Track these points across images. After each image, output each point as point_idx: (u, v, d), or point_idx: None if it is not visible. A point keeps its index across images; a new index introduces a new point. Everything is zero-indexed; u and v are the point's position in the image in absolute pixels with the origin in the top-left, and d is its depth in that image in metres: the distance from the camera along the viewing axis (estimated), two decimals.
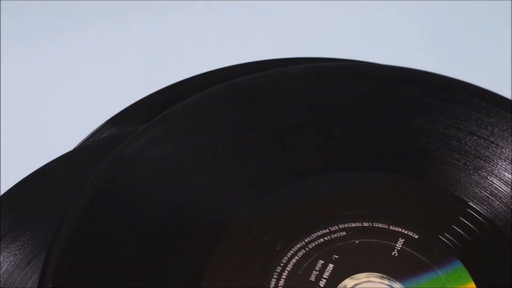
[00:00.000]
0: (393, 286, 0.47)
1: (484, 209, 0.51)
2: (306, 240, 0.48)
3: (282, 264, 0.47)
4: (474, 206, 0.52)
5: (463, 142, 0.53)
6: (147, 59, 0.70)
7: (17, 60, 0.71)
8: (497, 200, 0.52)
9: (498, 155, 0.53)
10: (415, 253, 0.49)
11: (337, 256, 0.48)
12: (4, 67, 0.70)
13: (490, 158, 0.52)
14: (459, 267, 0.48)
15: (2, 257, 0.50)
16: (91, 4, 0.74)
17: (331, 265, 0.47)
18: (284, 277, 0.46)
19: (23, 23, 0.73)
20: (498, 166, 0.52)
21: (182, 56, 0.70)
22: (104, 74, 0.70)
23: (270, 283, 0.46)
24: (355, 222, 0.50)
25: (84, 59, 0.71)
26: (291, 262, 0.47)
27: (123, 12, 0.74)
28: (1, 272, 0.49)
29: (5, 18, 0.73)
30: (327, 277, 0.47)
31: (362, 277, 0.47)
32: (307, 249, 0.48)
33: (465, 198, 0.52)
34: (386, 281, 0.47)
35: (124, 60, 0.71)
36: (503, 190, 0.52)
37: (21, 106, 0.68)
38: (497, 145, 0.53)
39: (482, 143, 0.53)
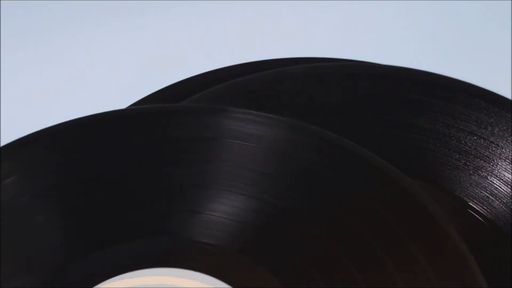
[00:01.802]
0: None
1: (484, 209, 0.51)
2: None
3: None
4: (474, 206, 0.52)
5: (463, 142, 0.53)
6: (147, 59, 0.70)
7: (17, 60, 0.71)
8: (497, 200, 0.52)
9: (498, 155, 0.53)
10: None
11: None
12: (4, 68, 0.70)
13: (490, 158, 0.53)
14: None
15: None
16: (91, 4, 0.74)
17: None
18: None
19: (23, 23, 0.73)
20: (498, 166, 0.52)
21: (182, 56, 0.70)
22: (104, 74, 0.70)
23: None
24: None
25: (84, 59, 0.71)
26: None
27: (123, 12, 0.74)
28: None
29: (4, 18, 0.73)
30: None
31: None
32: None
33: (465, 198, 0.52)
34: None
35: (124, 60, 0.71)
36: (503, 190, 0.52)
37: (22, 106, 0.68)
38: (497, 145, 0.53)
39: (482, 143, 0.53)
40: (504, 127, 0.53)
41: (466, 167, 0.53)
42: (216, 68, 0.58)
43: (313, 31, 0.72)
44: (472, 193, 0.52)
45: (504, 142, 0.53)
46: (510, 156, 0.52)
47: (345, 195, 0.47)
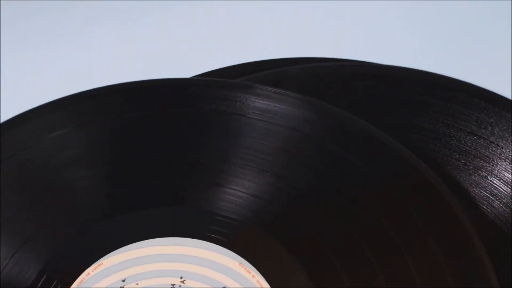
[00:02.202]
0: None
1: (484, 209, 0.51)
2: None
3: None
4: (474, 206, 0.52)
5: (463, 142, 0.53)
6: (147, 59, 0.70)
7: (17, 61, 0.71)
8: (497, 200, 0.52)
9: (498, 155, 0.53)
10: None
11: None
12: (4, 69, 0.70)
13: (490, 158, 0.53)
14: None
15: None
16: (91, 4, 0.74)
17: None
18: None
19: (23, 24, 0.73)
20: (498, 166, 0.52)
21: (182, 56, 0.70)
22: (104, 75, 0.70)
23: None
24: None
25: (83, 60, 0.71)
26: None
27: (123, 12, 0.74)
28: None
29: (5, 20, 0.73)
30: None
31: None
32: None
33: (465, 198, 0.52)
34: None
35: (124, 60, 0.71)
36: (503, 190, 0.52)
37: (22, 107, 0.68)
38: (497, 145, 0.53)
39: (482, 143, 0.53)
40: (504, 127, 0.53)
41: (466, 167, 0.53)
42: (216, 68, 0.58)
43: (313, 31, 0.72)
44: (472, 193, 0.52)
45: (504, 142, 0.53)
46: (510, 156, 0.52)
47: (363, 180, 0.47)
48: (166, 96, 0.51)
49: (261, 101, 0.50)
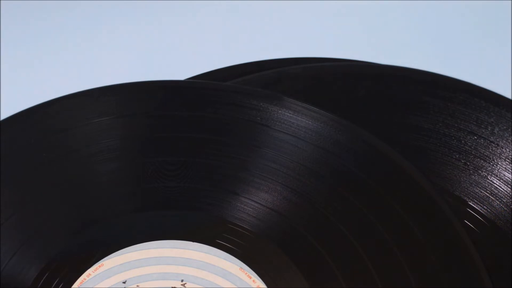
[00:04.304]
0: None
1: (484, 209, 0.52)
2: None
3: None
4: (474, 206, 0.52)
5: (463, 142, 0.53)
6: (147, 59, 0.70)
7: (16, 60, 0.71)
8: (497, 200, 0.52)
9: (498, 154, 0.53)
10: None
11: None
12: (4, 69, 0.70)
13: (490, 158, 0.53)
14: None
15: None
16: (91, 4, 0.74)
17: None
18: None
19: (23, 23, 0.73)
20: (498, 165, 0.52)
21: (182, 56, 0.70)
22: (104, 75, 0.70)
23: None
24: None
25: (83, 60, 0.71)
26: None
27: (123, 12, 0.74)
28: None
29: (5, 18, 0.73)
30: None
31: None
32: None
33: (465, 198, 0.52)
34: None
35: (124, 60, 0.71)
36: (503, 190, 0.52)
37: (20, 107, 0.68)
38: (497, 144, 0.53)
39: (482, 142, 0.53)
40: (504, 127, 0.53)
41: (466, 167, 0.53)
42: (216, 68, 0.58)
43: (313, 31, 0.72)
44: (472, 193, 0.52)
45: (504, 142, 0.53)
46: (510, 156, 0.52)
47: (381, 205, 0.47)
48: (195, 99, 0.50)
49: (288, 114, 0.49)
